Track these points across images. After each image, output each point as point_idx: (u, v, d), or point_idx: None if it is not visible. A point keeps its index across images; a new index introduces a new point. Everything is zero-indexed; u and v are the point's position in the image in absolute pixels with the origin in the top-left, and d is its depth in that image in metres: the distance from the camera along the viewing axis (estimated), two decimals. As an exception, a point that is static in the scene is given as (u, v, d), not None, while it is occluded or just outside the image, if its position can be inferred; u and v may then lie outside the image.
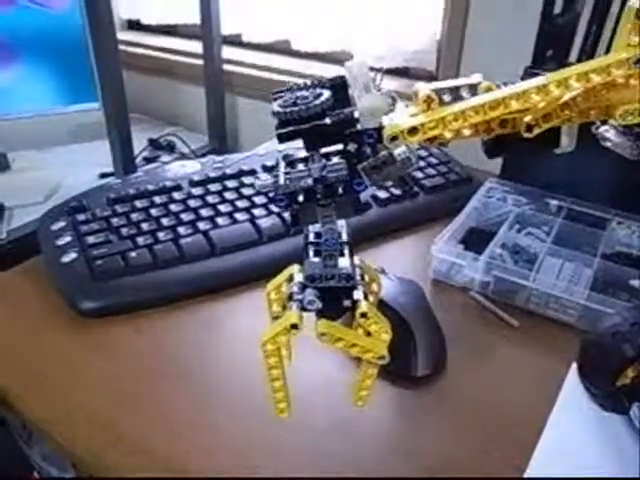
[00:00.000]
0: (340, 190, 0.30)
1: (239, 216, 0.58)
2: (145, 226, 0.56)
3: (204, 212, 0.58)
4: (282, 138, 0.32)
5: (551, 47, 0.60)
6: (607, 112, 0.33)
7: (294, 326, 0.28)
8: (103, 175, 0.98)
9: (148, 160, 1.07)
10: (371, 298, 0.32)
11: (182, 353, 0.47)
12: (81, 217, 0.57)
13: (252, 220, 0.57)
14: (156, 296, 0.51)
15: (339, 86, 0.33)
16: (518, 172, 0.64)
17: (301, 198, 0.31)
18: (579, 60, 0.61)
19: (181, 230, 0.55)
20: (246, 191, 0.61)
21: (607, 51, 0.39)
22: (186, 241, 0.54)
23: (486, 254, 0.53)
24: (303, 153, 0.33)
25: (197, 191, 0.61)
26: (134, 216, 0.57)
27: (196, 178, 0.63)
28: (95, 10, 0.80)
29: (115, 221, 0.56)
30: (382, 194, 0.63)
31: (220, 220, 0.57)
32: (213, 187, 0.62)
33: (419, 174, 0.68)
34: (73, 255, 0.52)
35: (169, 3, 1.18)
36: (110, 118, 0.87)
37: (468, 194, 0.62)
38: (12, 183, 0.95)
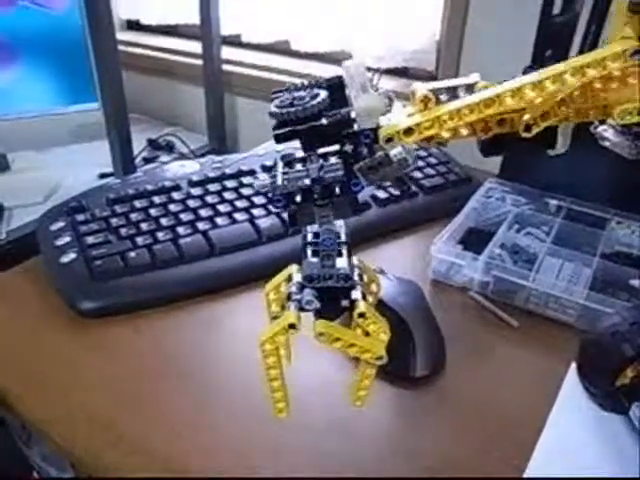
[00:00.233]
0: (337, 190, 0.30)
1: (238, 216, 0.58)
2: (144, 226, 0.56)
3: (203, 212, 0.58)
4: (279, 139, 0.32)
5: (550, 47, 0.60)
6: (605, 111, 0.32)
7: (292, 326, 0.28)
8: (102, 175, 0.98)
9: (147, 160, 1.07)
10: (370, 298, 0.32)
11: (182, 353, 0.47)
12: (80, 217, 0.57)
13: (251, 220, 0.57)
14: (155, 296, 0.51)
15: (336, 86, 0.33)
16: (517, 172, 0.64)
17: (299, 198, 0.30)
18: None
19: (180, 230, 0.55)
20: (245, 191, 0.61)
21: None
22: (185, 241, 0.54)
23: (485, 254, 0.53)
24: (301, 153, 0.33)
25: (196, 191, 0.61)
26: (133, 216, 0.57)
27: (195, 178, 0.63)
28: (94, 10, 0.80)
29: (114, 221, 0.56)
30: (381, 194, 0.63)
31: (219, 220, 0.57)
32: (212, 187, 0.62)
33: (418, 174, 0.67)
34: (72, 255, 0.52)
35: (169, 3, 1.19)
36: (109, 118, 0.87)
37: (467, 194, 0.62)
38: (12, 183, 0.95)
